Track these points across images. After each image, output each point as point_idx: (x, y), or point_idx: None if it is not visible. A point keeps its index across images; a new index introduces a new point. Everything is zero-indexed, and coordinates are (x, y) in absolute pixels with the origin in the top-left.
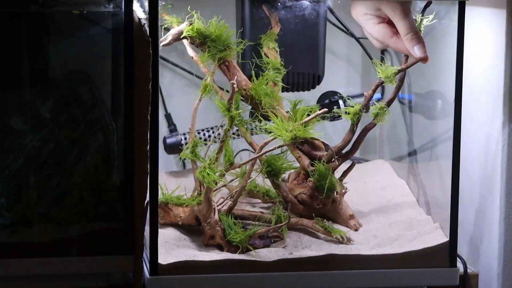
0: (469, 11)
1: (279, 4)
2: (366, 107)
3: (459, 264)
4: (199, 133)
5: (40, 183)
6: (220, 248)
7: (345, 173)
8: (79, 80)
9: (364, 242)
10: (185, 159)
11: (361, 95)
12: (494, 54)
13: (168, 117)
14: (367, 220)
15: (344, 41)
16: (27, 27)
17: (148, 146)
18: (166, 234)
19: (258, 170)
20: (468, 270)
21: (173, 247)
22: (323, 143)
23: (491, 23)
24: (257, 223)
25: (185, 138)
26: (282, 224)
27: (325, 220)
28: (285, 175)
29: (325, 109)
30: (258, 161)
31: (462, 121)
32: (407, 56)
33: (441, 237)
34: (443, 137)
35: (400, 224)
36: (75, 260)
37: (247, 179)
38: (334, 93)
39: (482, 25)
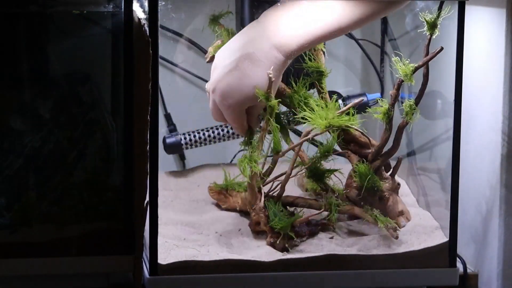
0: (469, 11)
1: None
2: (393, 106)
3: (459, 264)
4: (198, 133)
5: (40, 183)
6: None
7: (395, 169)
8: (79, 80)
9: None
10: (184, 159)
11: (361, 95)
12: (494, 54)
13: (167, 117)
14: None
15: (343, 41)
16: (27, 27)
17: (148, 146)
18: (166, 234)
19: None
20: (468, 270)
21: (173, 247)
22: (368, 139)
23: (491, 22)
24: (303, 210)
25: (185, 138)
26: (320, 211)
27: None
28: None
29: (362, 99)
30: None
31: (462, 121)
32: (427, 52)
33: (441, 237)
34: (443, 137)
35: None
36: (74, 260)
37: (292, 167)
38: (333, 93)
39: (482, 25)
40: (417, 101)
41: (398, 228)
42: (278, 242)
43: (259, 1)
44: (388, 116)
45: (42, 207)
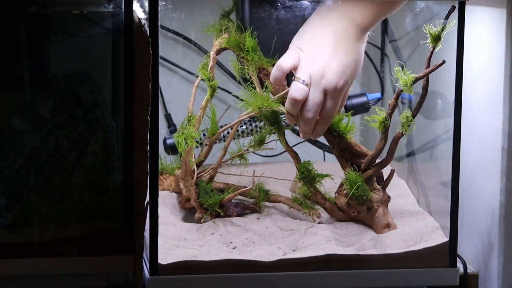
0: (469, 11)
1: (279, 4)
2: (390, 115)
3: (459, 264)
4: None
5: (40, 183)
6: (194, 211)
7: (386, 181)
8: (79, 80)
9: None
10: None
11: (362, 94)
12: (494, 54)
13: (168, 117)
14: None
15: None
16: (27, 27)
17: (148, 146)
18: (166, 234)
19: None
20: (468, 270)
21: (173, 247)
22: (363, 148)
23: (491, 23)
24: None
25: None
26: (245, 189)
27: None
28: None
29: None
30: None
31: (462, 121)
32: (428, 64)
33: (441, 237)
34: (443, 137)
35: (401, 224)
36: (75, 260)
37: (226, 149)
38: None
39: (482, 25)
40: (415, 113)
41: (320, 215)
42: (205, 217)
43: (259, 1)
44: (385, 126)
45: (43, 207)
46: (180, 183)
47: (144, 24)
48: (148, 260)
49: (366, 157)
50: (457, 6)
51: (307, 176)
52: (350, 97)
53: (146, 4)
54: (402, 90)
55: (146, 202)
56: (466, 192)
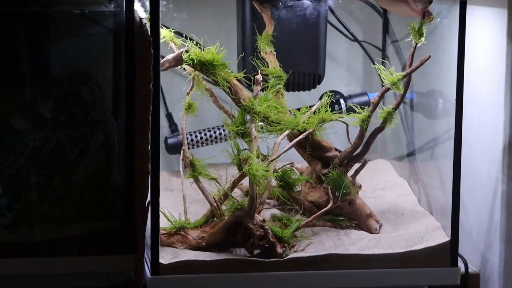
0: (470, 11)
1: (279, 4)
2: (372, 113)
3: (460, 264)
4: (200, 133)
5: (41, 183)
6: (268, 248)
7: (356, 172)
8: (80, 80)
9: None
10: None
11: (363, 94)
12: (495, 54)
13: (169, 117)
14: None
15: (344, 42)
16: (28, 26)
17: (149, 146)
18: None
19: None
20: (469, 270)
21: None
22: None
23: (492, 22)
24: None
25: (187, 138)
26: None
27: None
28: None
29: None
30: None
31: (463, 120)
32: (411, 61)
33: (442, 236)
34: (444, 137)
35: (402, 224)
36: (76, 260)
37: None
38: (335, 92)
39: (483, 25)
40: (396, 107)
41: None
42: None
43: (259, 0)
44: (367, 123)
45: (43, 207)
46: (248, 223)
47: (145, 24)
48: (150, 259)
49: (332, 151)
50: (458, 6)
51: (286, 183)
52: (351, 96)
53: (147, 4)
54: (389, 88)
55: (147, 201)
56: (467, 192)
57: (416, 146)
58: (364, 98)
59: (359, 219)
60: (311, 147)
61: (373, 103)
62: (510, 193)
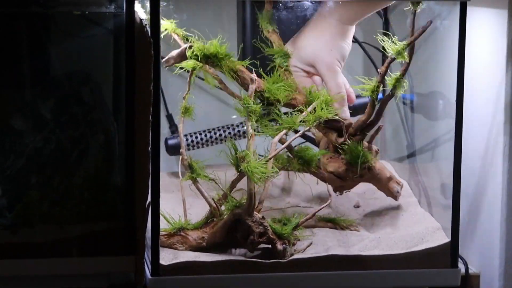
0: (470, 12)
1: (280, 4)
2: (381, 82)
3: (461, 265)
4: (200, 134)
5: (42, 183)
6: (269, 244)
7: (372, 137)
8: (80, 81)
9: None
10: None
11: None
12: (496, 55)
13: (169, 118)
14: (370, 222)
15: None
16: (28, 27)
17: (150, 147)
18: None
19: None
20: (470, 271)
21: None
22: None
23: (493, 23)
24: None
25: (187, 139)
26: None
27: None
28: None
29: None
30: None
31: (464, 121)
32: (412, 28)
33: (443, 237)
34: (444, 138)
35: (402, 225)
36: (76, 261)
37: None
38: None
39: (484, 26)
40: (403, 73)
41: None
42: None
43: (259, 1)
44: (377, 93)
45: (44, 207)
46: (247, 221)
47: (146, 24)
48: (150, 260)
49: (355, 122)
50: (458, 6)
51: (304, 160)
52: None
53: (148, 5)
54: (394, 58)
55: (147, 202)
56: (467, 193)
57: (417, 147)
58: (365, 99)
59: (379, 184)
60: (324, 121)
61: (380, 73)
62: (510, 194)
